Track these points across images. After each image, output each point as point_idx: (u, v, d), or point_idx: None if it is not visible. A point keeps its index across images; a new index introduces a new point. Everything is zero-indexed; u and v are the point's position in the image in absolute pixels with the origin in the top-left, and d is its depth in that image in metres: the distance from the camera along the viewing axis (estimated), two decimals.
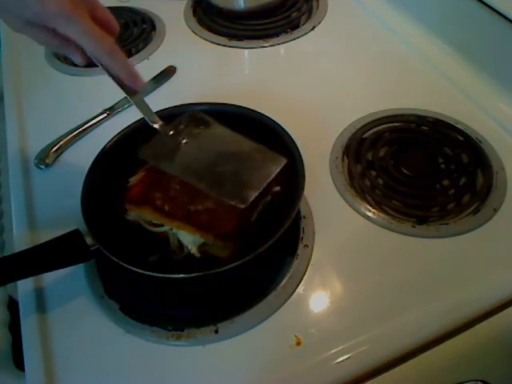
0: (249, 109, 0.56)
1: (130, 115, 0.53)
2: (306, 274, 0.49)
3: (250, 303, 0.47)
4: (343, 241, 0.52)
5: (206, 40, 0.82)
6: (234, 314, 0.46)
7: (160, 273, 0.43)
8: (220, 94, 0.61)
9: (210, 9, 0.87)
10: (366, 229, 0.52)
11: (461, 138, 0.61)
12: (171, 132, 0.49)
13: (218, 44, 0.81)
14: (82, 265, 0.50)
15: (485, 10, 0.63)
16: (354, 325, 0.45)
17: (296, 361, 0.43)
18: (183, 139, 0.49)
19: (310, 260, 0.50)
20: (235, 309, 0.46)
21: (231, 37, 0.81)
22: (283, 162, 0.48)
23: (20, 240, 0.54)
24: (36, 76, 0.77)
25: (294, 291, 0.48)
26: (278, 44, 0.80)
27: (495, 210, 0.53)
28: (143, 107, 0.48)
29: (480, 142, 0.60)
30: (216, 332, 0.45)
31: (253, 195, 0.45)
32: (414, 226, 0.52)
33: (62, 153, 0.63)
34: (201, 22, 0.86)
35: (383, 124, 0.63)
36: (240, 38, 0.81)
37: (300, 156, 0.50)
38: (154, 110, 0.50)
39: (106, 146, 0.54)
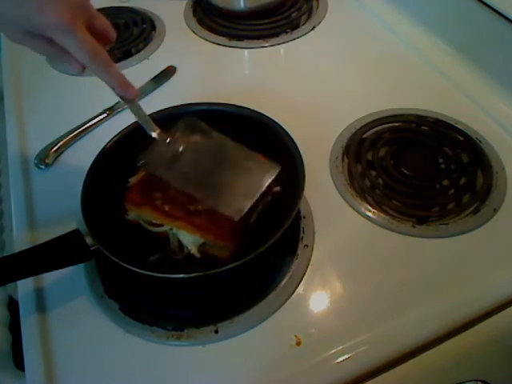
0: (249, 109, 0.56)
1: (130, 115, 0.52)
2: (306, 274, 0.49)
3: (249, 303, 0.47)
4: (343, 241, 0.52)
5: (206, 40, 0.82)
6: (234, 314, 0.46)
7: (160, 273, 0.43)
8: (220, 93, 0.61)
9: (210, 9, 0.87)
10: (366, 229, 0.52)
11: (461, 138, 0.61)
12: (168, 140, 0.50)
13: (218, 44, 0.81)
14: (81, 265, 0.50)
15: (485, 9, 0.63)
16: (354, 325, 0.45)
17: (296, 361, 0.43)
18: (180, 147, 0.50)
19: (310, 260, 0.50)
20: (235, 309, 0.46)
21: (231, 37, 0.82)
22: (276, 171, 0.48)
23: (20, 240, 0.54)
24: (36, 76, 0.77)
25: (294, 291, 0.48)
26: (278, 44, 0.80)
27: (495, 210, 0.53)
28: (141, 115, 0.49)
29: (480, 142, 0.60)
30: (216, 332, 0.45)
31: (247, 206, 0.46)
32: (414, 226, 0.52)
33: (62, 153, 0.63)
34: (201, 22, 0.86)
35: (383, 124, 0.63)
36: (240, 38, 0.81)
37: (300, 156, 0.50)
38: (155, 110, 0.50)
39: (105, 146, 0.54)
